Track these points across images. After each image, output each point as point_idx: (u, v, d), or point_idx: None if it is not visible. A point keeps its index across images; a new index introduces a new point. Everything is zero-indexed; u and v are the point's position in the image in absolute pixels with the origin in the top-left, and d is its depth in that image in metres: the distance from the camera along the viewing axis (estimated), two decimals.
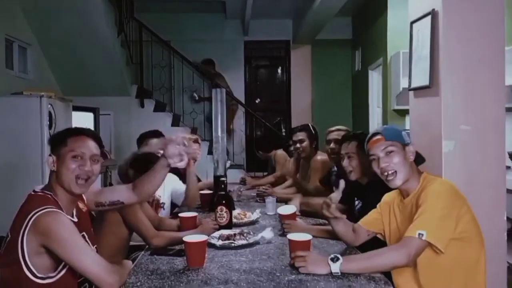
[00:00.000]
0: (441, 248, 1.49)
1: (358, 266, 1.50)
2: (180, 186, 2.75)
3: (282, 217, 2.15)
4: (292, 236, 1.68)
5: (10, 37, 4.42)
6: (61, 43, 4.95)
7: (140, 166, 2.14)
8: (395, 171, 1.63)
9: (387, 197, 1.82)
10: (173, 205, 2.82)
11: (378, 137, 1.67)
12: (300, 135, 3.13)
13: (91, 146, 1.50)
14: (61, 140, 1.48)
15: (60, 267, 1.39)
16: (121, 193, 1.65)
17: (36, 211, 1.33)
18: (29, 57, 4.80)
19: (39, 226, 1.32)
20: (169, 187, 2.72)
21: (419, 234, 1.47)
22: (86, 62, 5.20)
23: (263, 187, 3.26)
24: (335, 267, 1.47)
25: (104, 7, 4.83)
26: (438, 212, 1.51)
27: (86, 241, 1.49)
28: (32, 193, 1.44)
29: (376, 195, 1.92)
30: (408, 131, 1.80)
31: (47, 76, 5.15)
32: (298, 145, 3.13)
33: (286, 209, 2.21)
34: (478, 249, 1.60)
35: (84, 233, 1.51)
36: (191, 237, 1.65)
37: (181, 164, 1.57)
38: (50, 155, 1.49)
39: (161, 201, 2.64)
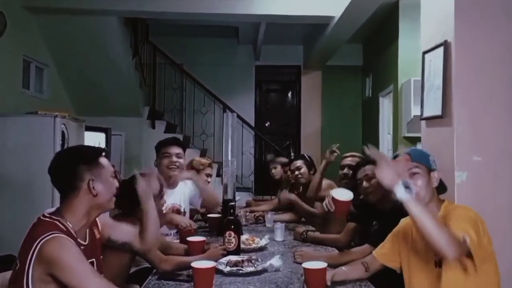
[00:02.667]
0: (477, 261, 1.43)
1: (419, 215, 1.38)
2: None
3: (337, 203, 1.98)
4: (307, 264, 1.65)
5: (28, 58, 4.54)
6: (77, 64, 5.07)
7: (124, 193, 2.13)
8: (417, 193, 1.56)
9: (405, 225, 1.74)
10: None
11: (406, 156, 1.64)
12: (298, 163, 3.30)
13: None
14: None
15: None
16: (135, 236, 1.71)
17: (41, 238, 1.30)
18: (45, 77, 4.92)
19: (44, 254, 1.29)
20: (188, 195, 2.80)
21: (464, 237, 1.40)
22: (100, 83, 5.31)
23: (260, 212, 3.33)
24: (401, 194, 1.39)
25: (120, 31, 4.96)
26: (471, 225, 1.46)
27: (94, 267, 1.46)
28: (41, 217, 1.41)
29: (396, 221, 1.88)
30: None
31: (61, 96, 5.26)
32: (296, 172, 3.25)
33: (342, 193, 2.05)
34: (496, 275, 1.59)
35: (93, 259, 1.50)
36: (199, 263, 1.63)
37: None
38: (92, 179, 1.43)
39: (181, 210, 2.68)
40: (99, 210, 1.48)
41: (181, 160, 2.66)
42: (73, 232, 1.39)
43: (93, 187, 1.41)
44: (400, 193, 1.39)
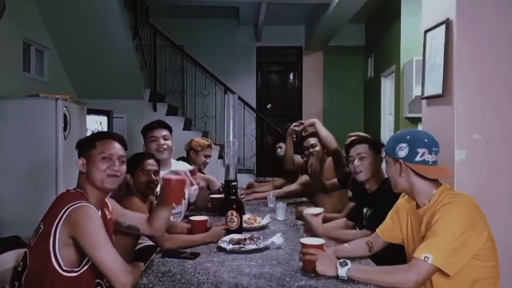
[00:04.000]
0: (450, 272, 1.44)
1: (366, 277, 1.50)
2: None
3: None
4: (306, 240, 1.69)
5: (28, 41, 4.51)
6: (77, 46, 5.05)
7: (132, 167, 2.15)
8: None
9: (404, 202, 1.77)
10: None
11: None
12: (312, 140, 3.25)
13: (118, 148, 1.62)
14: (90, 143, 1.60)
15: (84, 262, 1.46)
16: (140, 221, 1.78)
17: (70, 205, 1.43)
18: (45, 60, 4.90)
19: (70, 218, 1.41)
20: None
21: (425, 257, 1.43)
22: (101, 66, 5.29)
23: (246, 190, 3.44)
24: (342, 272, 1.49)
25: (120, 12, 4.91)
26: (449, 237, 1.45)
27: None
28: (65, 191, 1.55)
29: (387, 201, 1.93)
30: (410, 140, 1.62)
31: (62, 79, 5.25)
32: (311, 149, 3.22)
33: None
34: (494, 268, 1.57)
35: None
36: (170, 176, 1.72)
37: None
38: (79, 158, 1.59)
39: None
40: (95, 188, 1.57)
41: (168, 142, 2.64)
42: (91, 203, 1.51)
43: (82, 164, 1.57)
44: (342, 272, 1.49)
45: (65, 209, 1.43)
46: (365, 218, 2.18)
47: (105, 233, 1.45)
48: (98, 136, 1.64)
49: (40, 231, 1.45)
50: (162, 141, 2.61)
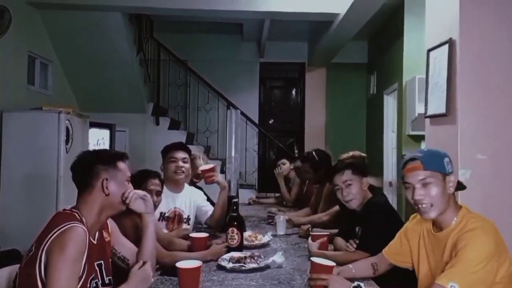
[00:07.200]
0: None
1: None
2: (205, 204, 2.81)
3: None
4: (316, 259, 1.65)
5: (32, 54, 4.55)
6: (81, 60, 5.09)
7: (135, 184, 2.12)
8: (431, 204, 1.47)
9: (414, 225, 1.67)
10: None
11: (416, 164, 1.48)
12: (304, 167, 3.18)
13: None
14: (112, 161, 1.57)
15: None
16: (133, 254, 1.67)
17: (61, 226, 1.35)
18: (49, 73, 4.93)
19: (54, 241, 1.33)
20: (194, 202, 2.75)
21: (451, 286, 1.35)
22: (105, 79, 5.32)
23: (274, 209, 3.24)
24: None
25: (124, 27, 4.97)
26: (476, 266, 1.36)
27: (101, 269, 1.51)
28: (61, 211, 1.47)
29: (375, 218, 1.97)
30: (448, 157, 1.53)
31: (66, 92, 5.28)
32: (304, 175, 3.19)
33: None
34: None
35: (102, 261, 1.52)
36: (185, 263, 1.58)
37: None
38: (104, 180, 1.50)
39: (184, 216, 2.66)
40: (110, 210, 1.53)
41: (186, 165, 2.69)
42: (87, 226, 1.44)
43: (106, 187, 1.49)
44: None
45: (55, 230, 1.35)
46: (358, 237, 2.14)
47: (73, 266, 1.33)
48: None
49: (31, 253, 1.36)
50: (181, 163, 2.66)
